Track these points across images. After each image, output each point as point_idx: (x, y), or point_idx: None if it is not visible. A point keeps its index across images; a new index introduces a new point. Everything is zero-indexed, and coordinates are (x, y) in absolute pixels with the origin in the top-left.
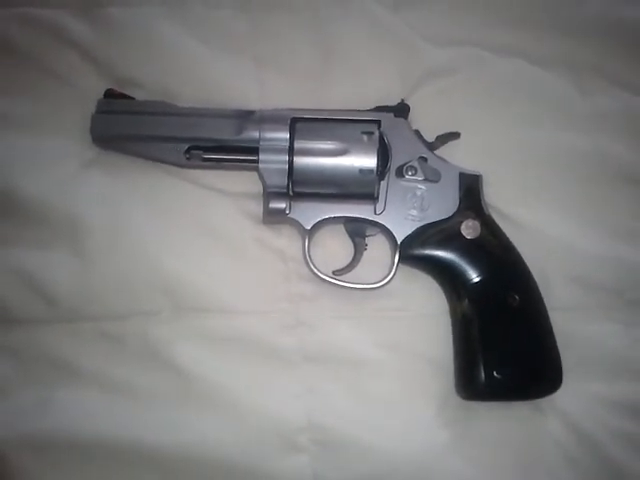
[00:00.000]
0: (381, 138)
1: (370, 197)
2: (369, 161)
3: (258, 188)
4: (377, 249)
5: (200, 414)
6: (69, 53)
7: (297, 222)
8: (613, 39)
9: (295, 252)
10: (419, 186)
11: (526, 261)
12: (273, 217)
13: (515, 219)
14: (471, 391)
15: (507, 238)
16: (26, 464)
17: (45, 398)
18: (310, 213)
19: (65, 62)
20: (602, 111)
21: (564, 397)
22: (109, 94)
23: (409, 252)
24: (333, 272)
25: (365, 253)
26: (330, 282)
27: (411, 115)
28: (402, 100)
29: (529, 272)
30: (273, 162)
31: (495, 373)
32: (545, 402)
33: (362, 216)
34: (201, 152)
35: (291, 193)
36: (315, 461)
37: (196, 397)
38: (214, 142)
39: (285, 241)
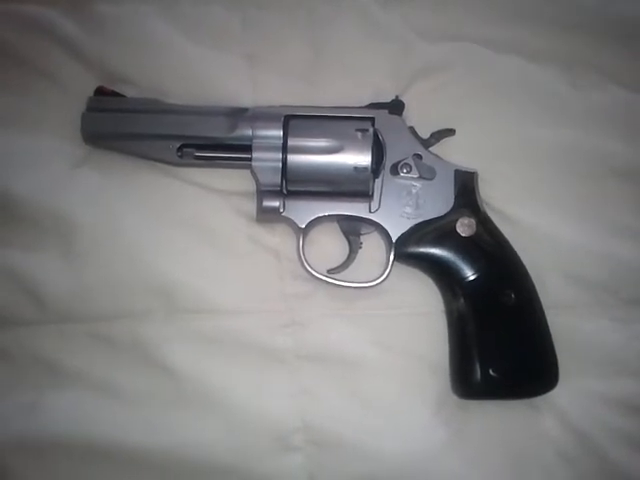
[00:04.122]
0: (375, 135)
1: (365, 195)
2: (363, 159)
3: (251, 186)
4: (372, 247)
5: (193, 415)
6: (59, 51)
7: (291, 220)
8: (609, 34)
9: (289, 251)
10: (414, 183)
11: (522, 259)
12: (267, 215)
13: (511, 216)
14: (467, 390)
15: (503, 236)
16: (17, 466)
17: (35, 400)
18: (304, 211)
19: (55, 60)
20: (598, 107)
21: (560, 395)
22: (99, 92)
23: (404, 250)
24: (328, 271)
25: (360, 251)
26: (325, 281)
27: (405, 112)
28: (396, 97)
29: (525, 270)
30: (266, 160)
31: (491, 371)
32: (541, 400)
33: (357, 214)
34: (193, 150)
35: (285, 191)
36: (310, 461)
37: (189, 398)
38: (206, 140)
39: (279, 240)
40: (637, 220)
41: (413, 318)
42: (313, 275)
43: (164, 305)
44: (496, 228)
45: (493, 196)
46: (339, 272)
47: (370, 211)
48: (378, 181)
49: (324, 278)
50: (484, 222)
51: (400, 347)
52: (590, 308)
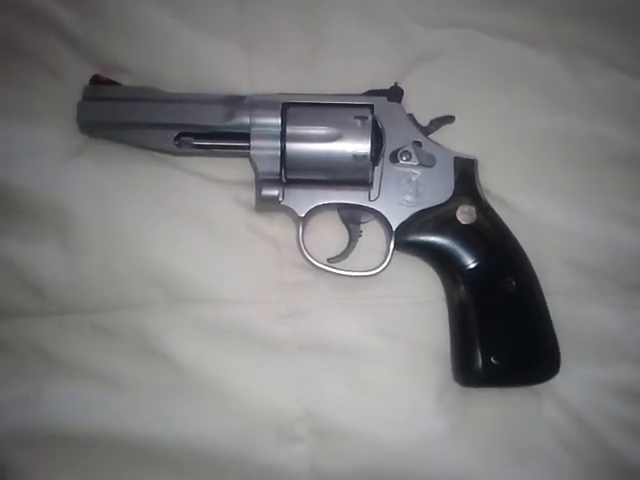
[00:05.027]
0: (374, 123)
1: (364, 183)
2: (363, 146)
3: (250, 175)
4: (372, 236)
5: (194, 405)
6: (54, 39)
7: (290, 209)
8: (607, 19)
9: (289, 240)
10: (414, 171)
11: (522, 246)
12: (266, 204)
13: (511, 203)
14: (469, 377)
15: (503, 223)
16: (17, 457)
17: (34, 391)
18: (303, 200)
19: (50, 48)
20: (596, 93)
21: (561, 382)
22: (95, 80)
23: (404, 238)
24: (327, 260)
25: (360, 240)
26: (324, 270)
27: (405, 99)
28: (395, 83)
29: (525, 257)
30: (265, 148)
31: (492, 359)
32: (543, 387)
33: (356, 202)
34: (191, 139)
35: (284, 180)
36: (312, 451)
37: (190, 389)
38: (204, 129)
39: (278, 229)
40: (636, 206)
41: (414, 306)
42: (313, 264)
43: (163, 295)
44: (496, 215)
45: (492, 183)
46: (339, 261)
47: (370, 199)
48: (377, 169)
49: (324, 267)
50: (484, 210)
51: (401, 335)
52: (590, 295)
